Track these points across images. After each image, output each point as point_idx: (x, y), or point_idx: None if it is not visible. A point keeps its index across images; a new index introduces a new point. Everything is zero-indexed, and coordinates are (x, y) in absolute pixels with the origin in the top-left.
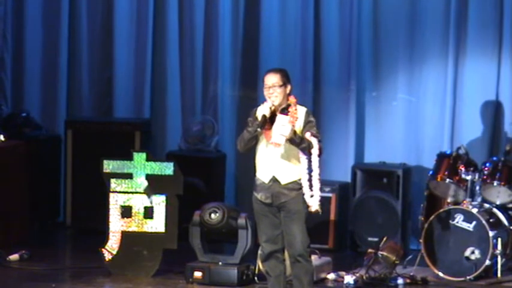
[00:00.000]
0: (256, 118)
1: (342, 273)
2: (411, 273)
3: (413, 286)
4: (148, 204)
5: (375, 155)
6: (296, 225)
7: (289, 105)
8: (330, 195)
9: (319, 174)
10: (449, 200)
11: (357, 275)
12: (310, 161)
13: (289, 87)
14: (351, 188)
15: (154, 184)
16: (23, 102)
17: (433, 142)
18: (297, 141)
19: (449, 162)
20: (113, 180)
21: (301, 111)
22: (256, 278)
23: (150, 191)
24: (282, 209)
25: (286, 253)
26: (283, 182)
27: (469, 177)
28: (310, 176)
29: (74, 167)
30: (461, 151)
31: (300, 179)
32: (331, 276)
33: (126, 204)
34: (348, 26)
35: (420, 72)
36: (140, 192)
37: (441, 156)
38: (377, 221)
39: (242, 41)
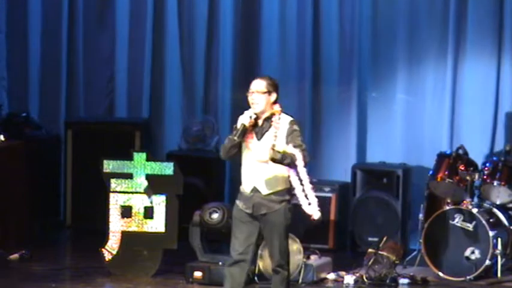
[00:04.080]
0: (236, 127)
1: (342, 273)
2: (411, 273)
3: (413, 286)
4: (148, 204)
5: (375, 155)
6: (275, 237)
7: (272, 114)
8: (330, 195)
9: (310, 182)
10: (449, 200)
11: (357, 275)
12: (298, 172)
13: (274, 96)
14: (351, 188)
15: (154, 184)
16: (23, 102)
17: (433, 142)
18: (279, 159)
19: (449, 162)
20: (113, 180)
21: (285, 121)
22: (256, 278)
23: (150, 191)
24: (262, 220)
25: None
26: (264, 192)
27: (469, 177)
28: (303, 186)
29: (74, 167)
30: (461, 151)
31: (283, 189)
32: (331, 276)
33: (126, 204)
34: (347, 27)
35: (419, 72)
36: (140, 192)
37: (441, 156)
38: (377, 221)
39: (242, 41)
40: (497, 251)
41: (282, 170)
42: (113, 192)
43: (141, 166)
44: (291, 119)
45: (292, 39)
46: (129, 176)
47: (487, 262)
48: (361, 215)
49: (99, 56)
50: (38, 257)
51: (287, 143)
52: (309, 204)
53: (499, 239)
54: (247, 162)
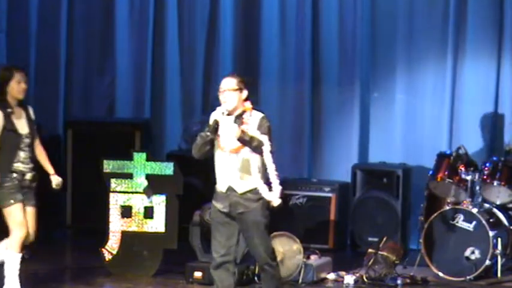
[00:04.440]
0: (209, 124)
1: (342, 273)
2: (411, 273)
3: (413, 286)
4: (148, 204)
5: (375, 155)
6: (256, 236)
7: (244, 112)
8: (330, 195)
9: (276, 170)
10: (449, 200)
11: (357, 275)
12: (262, 158)
13: (245, 93)
14: (351, 188)
15: (155, 184)
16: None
17: (432, 142)
18: (246, 139)
19: (449, 162)
20: (113, 180)
21: (256, 117)
22: (256, 278)
23: (150, 191)
24: (240, 219)
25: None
26: (239, 191)
27: (469, 177)
28: (266, 173)
29: (74, 167)
30: (461, 151)
31: (257, 188)
32: (331, 276)
33: (126, 204)
34: (347, 27)
35: (419, 72)
36: (140, 192)
37: (441, 156)
38: (377, 221)
39: (242, 41)
40: (497, 251)
41: (256, 168)
42: (113, 192)
43: (141, 166)
44: (262, 115)
45: (291, 39)
46: (129, 176)
47: (487, 262)
48: (361, 215)
49: (99, 55)
50: (38, 257)
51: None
52: (270, 191)
53: (499, 239)
54: (221, 161)
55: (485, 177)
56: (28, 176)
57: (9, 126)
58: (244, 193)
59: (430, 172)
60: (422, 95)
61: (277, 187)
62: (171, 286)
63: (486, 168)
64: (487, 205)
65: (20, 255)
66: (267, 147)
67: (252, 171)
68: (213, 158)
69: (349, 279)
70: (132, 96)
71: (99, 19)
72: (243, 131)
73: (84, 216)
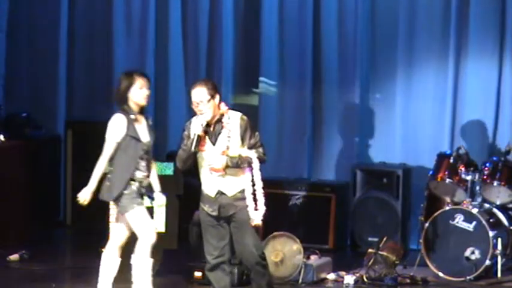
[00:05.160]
0: (189, 136)
1: (342, 273)
2: (411, 273)
3: (413, 286)
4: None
5: (375, 155)
6: (247, 235)
7: (221, 115)
8: (330, 195)
9: (262, 188)
10: (449, 200)
11: (357, 275)
12: (252, 174)
13: (217, 98)
14: (351, 188)
15: None
16: (23, 102)
17: (433, 142)
18: (235, 164)
19: (449, 162)
20: None
21: (235, 119)
22: None
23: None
24: (231, 220)
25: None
26: (229, 194)
27: (469, 177)
28: (254, 190)
29: (74, 167)
30: (461, 151)
31: (244, 189)
32: (331, 276)
33: None
34: (347, 27)
35: (421, 72)
36: None
37: (441, 157)
38: (377, 221)
39: (243, 43)
40: (497, 251)
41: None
42: None
43: None
44: (240, 114)
45: (292, 39)
46: None
47: (487, 262)
48: (361, 215)
49: (99, 55)
50: (38, 257)
51: (242, 143)
52: (255, 210)
53: (499, 239)
54: (206, 167)
55: (485, 177)
56: (145, 183)
57: (132, 133)
58: (234, 195)
59: (430, 172)
60: (423, 95)
61: (262, 207)
62: (171, 286)
63: (486, 168)
64: (487, 205)
65: (152, 260)
66: (256, 164)
67: (239, 172)
68: None
69: (349, 279)
70: None
71: (100, 19)
72: (228, 157)
73: (84, 216)
